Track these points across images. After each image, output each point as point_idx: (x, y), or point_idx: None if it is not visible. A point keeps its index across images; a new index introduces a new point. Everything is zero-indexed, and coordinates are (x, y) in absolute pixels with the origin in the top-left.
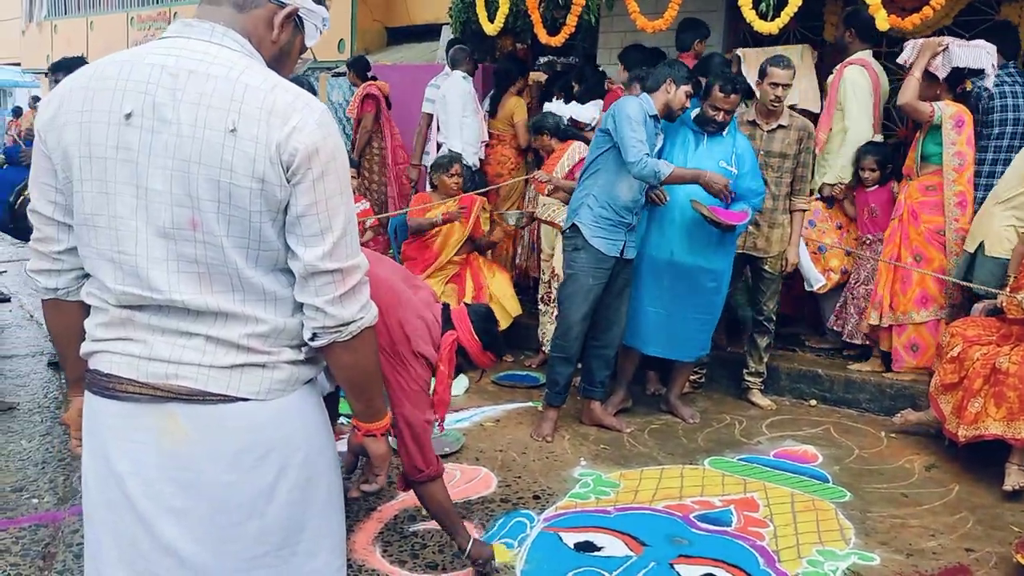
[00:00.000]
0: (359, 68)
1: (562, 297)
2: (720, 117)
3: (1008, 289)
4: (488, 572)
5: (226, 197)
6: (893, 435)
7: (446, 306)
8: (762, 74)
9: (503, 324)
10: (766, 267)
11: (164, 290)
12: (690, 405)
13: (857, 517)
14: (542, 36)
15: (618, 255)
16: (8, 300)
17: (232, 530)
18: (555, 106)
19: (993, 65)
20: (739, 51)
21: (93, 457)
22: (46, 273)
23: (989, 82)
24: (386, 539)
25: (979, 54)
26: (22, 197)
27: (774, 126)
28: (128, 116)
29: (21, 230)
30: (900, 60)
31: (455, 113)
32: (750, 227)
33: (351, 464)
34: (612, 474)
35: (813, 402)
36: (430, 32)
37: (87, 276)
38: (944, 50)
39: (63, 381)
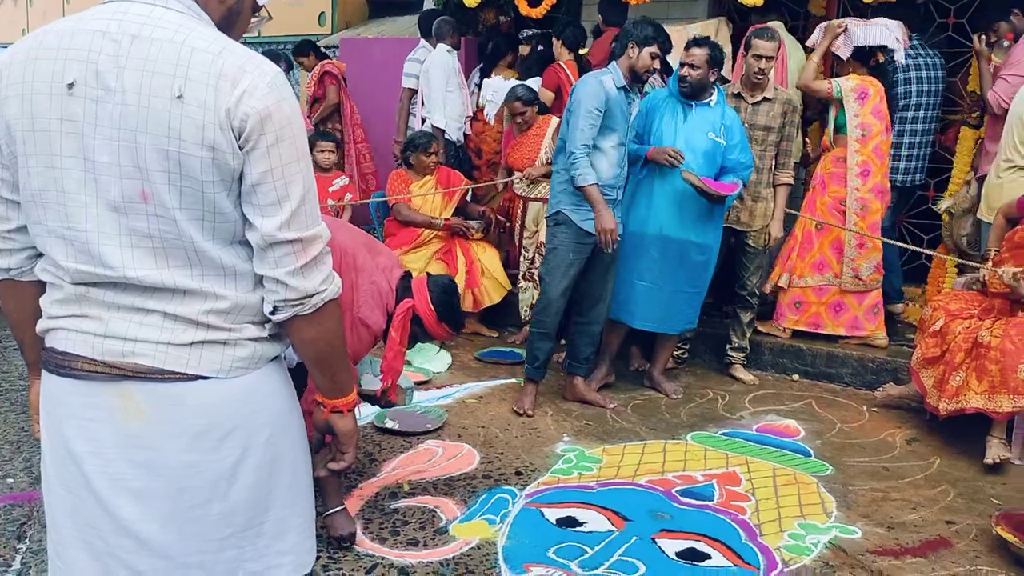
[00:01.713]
0: (315, 49)
1: (543, 272)
2: (684, 71)
3: (990, 263)
4: (343, 545)
5: (176, 167)
6: (875, 409)
7: (407, 274)
8: (747, 46)
9: (496, 298)
10: (749, 241)
11: (117, 266)
12: (673, 380)
13: (839, 490)
14: (523, 7)
15: None
16: None
17: (194, 511)
18: (495, 82)
19: (898, 39)
20: None
21: (50, 437)
22: None
23: (899, 56)
24: (367, 516)
25: (879, 32)
26: None
27: (759, 99)
28: (71, 86)
29: None
30: (808, 43)
31: (438, 88)
32: (734, 201)
33: (317, 443)
34: (595, 450)
35: (795, 377)
36: (412, 5)
37: (39, 255)
38: (844, 31)
39: None
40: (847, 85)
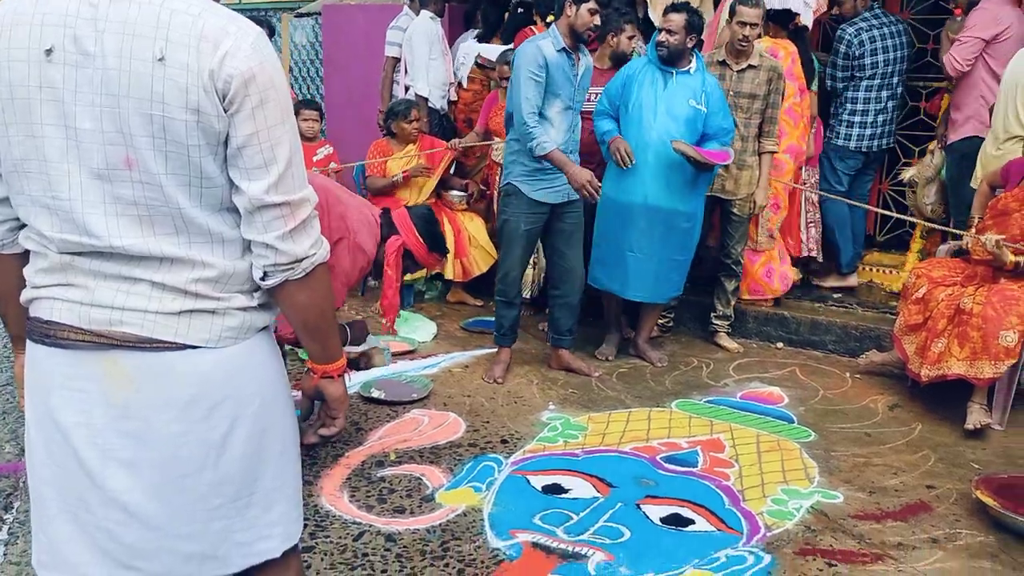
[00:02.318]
0: None
1: (500, 243)
2: (662, 37)
3: (973, 230)
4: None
5: (160, 132)
6: (858, 376)
7: (386, 211)
8: (731, 13)
9: (484, 267)
10: (734, 210)
11: (103, 235)
12: (658, 349)
13: (821, 456)
14: None
15: (566, 199)
16: None
17: (183, 482)
18: (469, 44)
19: (807, 3)
20: None
21: (35, 408)
22: None
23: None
24: (353, 485)
25: None
26: None
27: (744, 66)
28: (48, 52)
29: None
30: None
31: (421, 55)
32: (719, 169)
33: (307, 409)
34: (580, 418)
35: (779, 344)
36: None
37: (22, 226)
38: None
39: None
40: (757, 47)
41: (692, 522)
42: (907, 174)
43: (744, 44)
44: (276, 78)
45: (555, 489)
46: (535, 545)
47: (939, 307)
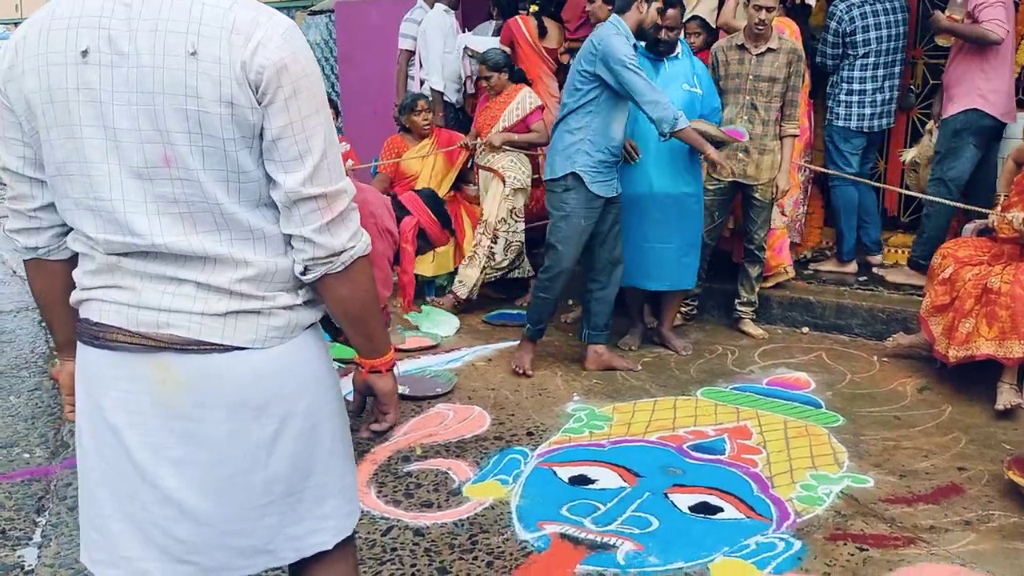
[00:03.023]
0: None
1: (556, 239)
2: (662, 35)
3: (999, 208)
4: None
5: (196, 127)
6: (885, 359)
7: (393, 196)
8: None
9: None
10: (756, 194)
11: (145, 234)
12: (682, 337)
13: (850, 441)
14: None
15: (615, 194)
16: None
17: (235, 480)
18: (464, 36)
19: None
20: None
21: (86, 409)
22: (25, 232)
23: None
24: (380, 480)
25: None
26: None
27: (763, 50)
28: (84, 53)
29: None
30: None
31: (436, 49)
32: (740, 154)
33: (359, 405)
34: (605, 408)
35: (805, 329)
36: None
37: (67, 232)
38: None
39: (50, 336)
40: (775, 30)
41: (721, 510)
42: (908, 155)
43: (761, 28)
44: (309, 68)
45: (582, 480)
46: (563, 536)
47: (966, 287)
